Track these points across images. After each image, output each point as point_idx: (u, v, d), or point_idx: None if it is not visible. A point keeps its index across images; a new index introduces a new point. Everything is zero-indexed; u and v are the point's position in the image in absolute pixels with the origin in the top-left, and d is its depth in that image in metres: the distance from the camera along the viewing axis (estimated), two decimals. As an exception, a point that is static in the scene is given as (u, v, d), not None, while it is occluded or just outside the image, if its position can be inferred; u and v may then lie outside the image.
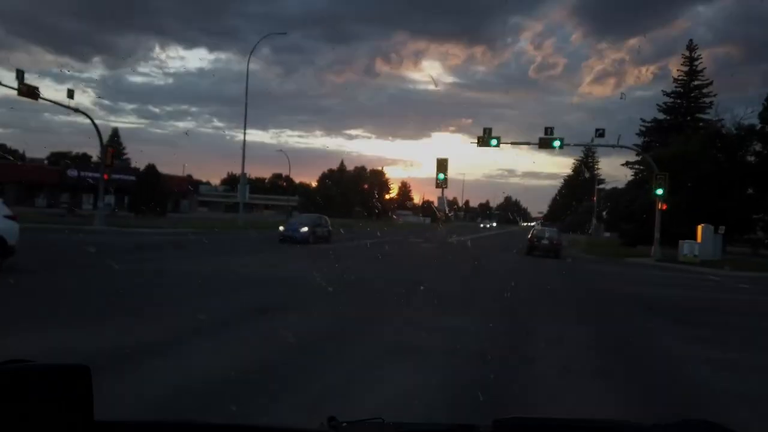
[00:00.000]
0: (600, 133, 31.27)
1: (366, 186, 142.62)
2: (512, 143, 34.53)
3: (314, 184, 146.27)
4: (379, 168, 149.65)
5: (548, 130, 31.80)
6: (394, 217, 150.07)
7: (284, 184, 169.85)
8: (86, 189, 59.98)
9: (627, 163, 46.99)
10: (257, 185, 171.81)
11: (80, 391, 1.18)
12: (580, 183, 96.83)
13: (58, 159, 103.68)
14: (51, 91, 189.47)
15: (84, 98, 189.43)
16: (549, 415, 3.39)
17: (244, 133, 43.36)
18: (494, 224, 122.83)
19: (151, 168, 49.82)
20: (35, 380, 1.13)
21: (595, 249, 40.08)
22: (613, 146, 32.24)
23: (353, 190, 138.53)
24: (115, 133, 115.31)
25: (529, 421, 1.50)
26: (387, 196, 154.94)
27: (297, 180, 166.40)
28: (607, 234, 78.48)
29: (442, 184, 31.79)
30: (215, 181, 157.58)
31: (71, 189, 60.23)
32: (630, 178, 51.34)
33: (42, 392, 1.12)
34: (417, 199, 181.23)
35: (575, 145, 35.86)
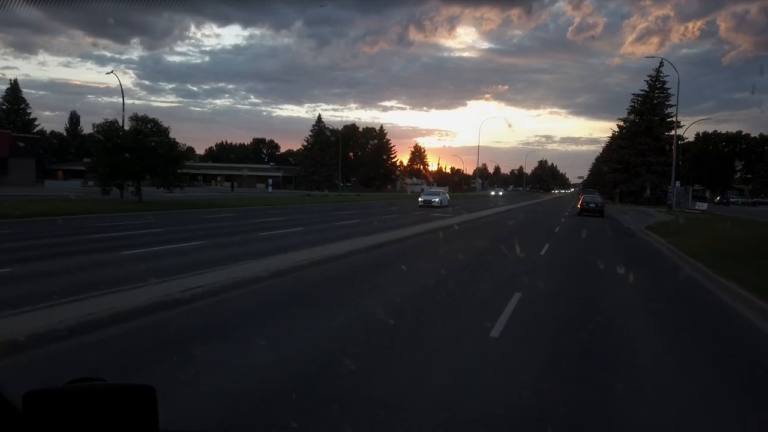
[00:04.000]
0: None
1: (359, 150, 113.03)
2: None
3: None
4: (377, 127, 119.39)
5: None
6: (399, 186, 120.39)
7: (264, 150, 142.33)
8: None
9: None
10: (239, 151, 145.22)
11: (146, 411, 1.17)
12: (642, 130, 65.24)
13: None
14: (93, 74, 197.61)
15: (125, 79, 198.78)
16: None
17: None
18: (500, 193, 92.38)
19: None
20: (102, 399, 1.14)
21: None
22: None
23: (342, 155, 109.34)
24: (15, 85, 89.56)
25: None
26: (390, 161, 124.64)
27: (286, 147, 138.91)
28: (701, 206, 47.25)
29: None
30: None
31: None
32: None
33: (109, 411, 1.13)
34: (435, 166, 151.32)
35: None
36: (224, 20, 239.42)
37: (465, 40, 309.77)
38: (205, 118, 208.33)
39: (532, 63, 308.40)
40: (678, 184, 47.92)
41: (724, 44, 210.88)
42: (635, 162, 63.69)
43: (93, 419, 1.11)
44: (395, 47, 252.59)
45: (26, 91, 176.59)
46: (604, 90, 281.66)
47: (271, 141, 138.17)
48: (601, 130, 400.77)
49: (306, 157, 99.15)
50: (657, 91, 67.02)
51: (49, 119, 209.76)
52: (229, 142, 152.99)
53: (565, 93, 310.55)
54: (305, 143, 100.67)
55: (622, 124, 69.83)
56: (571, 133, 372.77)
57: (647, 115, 65.69)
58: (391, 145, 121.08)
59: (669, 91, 66.84)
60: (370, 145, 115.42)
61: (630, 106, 69.23)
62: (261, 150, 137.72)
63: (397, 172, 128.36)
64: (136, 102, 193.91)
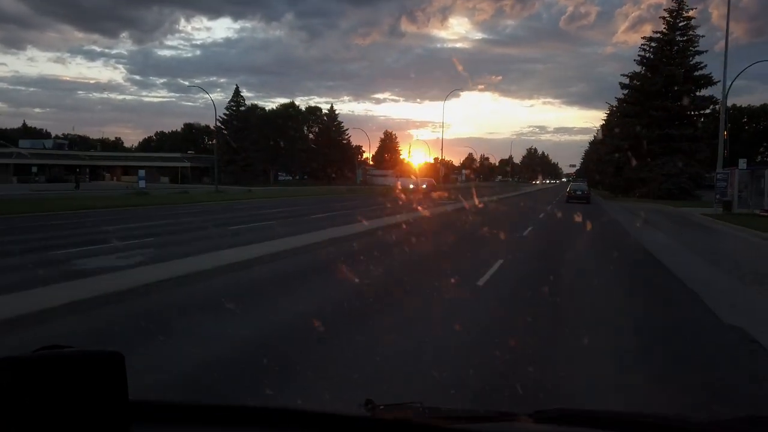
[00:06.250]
0: None
1: (292, 134, 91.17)
2: None
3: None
4: (323, 106, 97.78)
5: None
6: (359, 179, 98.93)
7: (209, 140, 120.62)
8: None
9: None
10: (174, 140, 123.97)
11: (114, 378, 1.13)
12: (658, 90, 44.02)
13: None
14: (83, 68, 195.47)
15: (116, 74, 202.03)
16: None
17: None
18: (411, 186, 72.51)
19: None
20: (69, 366, 1.10)
21: None
22: None
23: (275, 140, 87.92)
24: None
25: (572, 413, 1.39)
26: (351, 149, 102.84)
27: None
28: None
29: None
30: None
31: None
32: None
33: (76, 378, 1.09)
34: (417, 156, 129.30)
35: None
36: (214, 13, 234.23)
37: (458, 30, 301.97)
38: (198, 113, 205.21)
39: (525, 53, 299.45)
40: (744, 164, 26.88)
41: (716, 31, 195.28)
42: (649, 136, 42.43)
43: (60, 387, 1.07)
44: (388, 39, 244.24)
45: (16, 88, 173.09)
46: (597, 79, 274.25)
47: (207, 126, 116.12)
48: (594, 119, 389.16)
49: (220, 142, 77.68)
50: (678, 33, 45.51)
51: (39, 116, 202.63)
52: (167, 131, 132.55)
53: (559, 83, 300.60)
54: (218, 124, 78.71)
55: (627, 82, 47.97)
56: (565, 123, 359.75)
57: (666, 66, 44.23)
58: (345, 129, 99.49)
59: (697, 31, 45.41)
60: (313, 129, 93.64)
61: (638, 56, 47.53)
62: (195, 137, 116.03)
63: (357, 162, 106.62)
64: (127, 97, 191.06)
